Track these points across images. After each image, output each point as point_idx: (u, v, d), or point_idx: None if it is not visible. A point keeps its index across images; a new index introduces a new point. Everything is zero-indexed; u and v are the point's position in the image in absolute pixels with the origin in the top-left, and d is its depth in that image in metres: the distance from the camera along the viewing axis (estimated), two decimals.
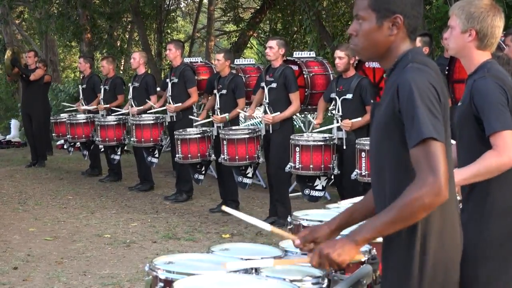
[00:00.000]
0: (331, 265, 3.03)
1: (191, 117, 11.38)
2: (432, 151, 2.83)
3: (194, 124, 10.95)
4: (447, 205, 2.98)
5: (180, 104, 11.21)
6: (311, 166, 8.97)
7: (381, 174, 3.11)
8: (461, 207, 3.93)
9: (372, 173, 3.21)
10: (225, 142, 9.71)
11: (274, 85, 9.56)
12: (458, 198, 4.47)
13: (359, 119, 8.82)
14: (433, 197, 2.81)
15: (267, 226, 3.44)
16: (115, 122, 12.47)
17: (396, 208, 2.87)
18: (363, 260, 3.69)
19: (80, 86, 14.35)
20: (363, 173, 8.37)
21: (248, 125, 12.16)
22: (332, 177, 9.18)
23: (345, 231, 3.25)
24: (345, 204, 4.72)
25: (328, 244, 3.05)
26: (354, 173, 8.53)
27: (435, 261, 2.99)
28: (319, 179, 9.13)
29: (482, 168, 3.78)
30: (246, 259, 3.59)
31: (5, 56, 15.45)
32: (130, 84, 12.58)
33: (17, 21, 30.15)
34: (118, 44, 25.33)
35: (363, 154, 8.37)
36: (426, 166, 2.83)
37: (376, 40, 3.10)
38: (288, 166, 9.13)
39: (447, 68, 8.81)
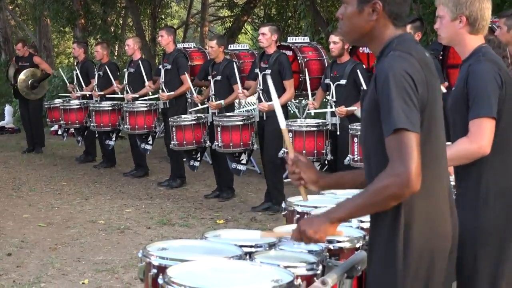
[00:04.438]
0: (309, 240, 3.10)
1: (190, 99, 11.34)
2: (403, 142, 2.82)
3: (189, 110, 10.87)
4: (434, 192, 2.99)
5: (172, 93, 11.19)
6: (304, 151, 8.96)
7: (368, 161, 3.12)
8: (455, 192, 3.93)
9: (363, 160, 3.22)
10: (219, 129, 9.68)
11: (268, 71, 9.52)
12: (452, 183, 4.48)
13: (354, 108, 8.78)
14: (401, 188, 2.83)
15: (283, 124, 3.60)
16: (110, 108, 12.42)
17: (367, 193, 2.93)
18: (354, 246, 3.69)
19: (74, 72, 14.31)
20: (356, 158, 8.36)
21: (243, 111, 12.12)
22: (326, 162, 9.18)
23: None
24: (341, 192, 4.71)
25: (306, 221, 3.15)
26: (347, 158, 8.52)
27: (420, 249, 2.97)
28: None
29: (453, 154, 3.77)
30: (241, 246, 3.58)
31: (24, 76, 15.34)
32: (125, 70, 12.53)
33: (10, 7, 30.03)
34: (112, 29, 25.25)
35: (355, 139, 8.36)
36: (397, 156, 2.83)
37: (357, 24, 3.10)
38: (281, 151, 9.11)
39: (441, 53, 8.80)
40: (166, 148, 11.93)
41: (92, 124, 12.57)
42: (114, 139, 12.74)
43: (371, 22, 3.07)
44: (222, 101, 10.17)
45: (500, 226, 3.82)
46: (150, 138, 11.81)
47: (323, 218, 3.08)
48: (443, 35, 4.06)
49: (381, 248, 3.04)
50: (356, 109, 8.74)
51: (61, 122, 13.37)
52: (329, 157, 9.00)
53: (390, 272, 2.99)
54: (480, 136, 3.77)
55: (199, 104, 10.80)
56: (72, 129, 13.53)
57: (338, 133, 8.95)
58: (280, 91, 9.47)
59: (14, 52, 18.91)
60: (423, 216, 2.98)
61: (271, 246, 3.66)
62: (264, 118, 9.53)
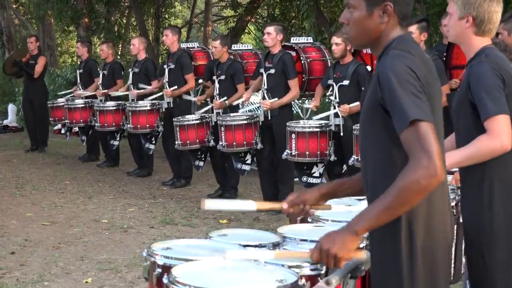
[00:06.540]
0: (333, 260, 2.90)
1: (188, 97, 11.32)
2: (422, 132, 2.77)
3: (195, 112, 10.86)
4: (434, 189, 2.94)
5: (175, 87, 11.19)
6: (307, 153, 8.96)
7: (365, 160, 3.11)
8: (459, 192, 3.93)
9: (360, 159, 3.21)
10: (222, 129, 9.69)
11: (272, 71, 9.54)
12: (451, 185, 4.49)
13: (357, 103, 8.78)
14: (429, 178, 2.74)
15: (251, 206, 3.52)
16: (114, 108, 12.46)
17: (392, 193, 2.79)
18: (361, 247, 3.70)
19: (77, 71, 14.33)
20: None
21: (246, 111, 12.13)
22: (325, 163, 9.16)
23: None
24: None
25: (327, 238, 2.92)
26: (351, 159, 8.51)
27: (424, 249, 2.95)
28: (317, 166, 9.13)
29: (474, 152, 3.79)
30: (245, 245, 3.59)
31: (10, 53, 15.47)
32: (130, 70, 12.55)
33: (14, 6, 30.03)
34: (116, 29, 25.23)
35: None
36: (419, 148, 2.76)
37: (367, 28, 3.07)
38: (285, 153, 9.11)
39: (444, 54, 8.81)
40: (163, 148, 11.95)
41: (96, 124, 12.59)
42: (118, 139, 12.77)
43: (382, 25, 3.05)
44: (225, 99, 10.16)
45: (505, 226, 3.81)
46: (153, 138, 11.84)
47: (346, 232, 2.90)
48: (450, 32, 4.07)
49: (384, 248, 3.03)
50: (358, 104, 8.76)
51: (65, 121, 13.42)
52: (332, 158, 9.00)
53: (395, 272, 2.98)
54: (501, 133, 3.75)
55: (198, 104, 10.80)
56: (76, 128, 13.56)
57: (341, 134, 8.94)
58: (285, 90, 9.49)
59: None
60: (423, 214, 2.96)
61: (275, 246, 3.67)
62: (269, 118, 9.53)
